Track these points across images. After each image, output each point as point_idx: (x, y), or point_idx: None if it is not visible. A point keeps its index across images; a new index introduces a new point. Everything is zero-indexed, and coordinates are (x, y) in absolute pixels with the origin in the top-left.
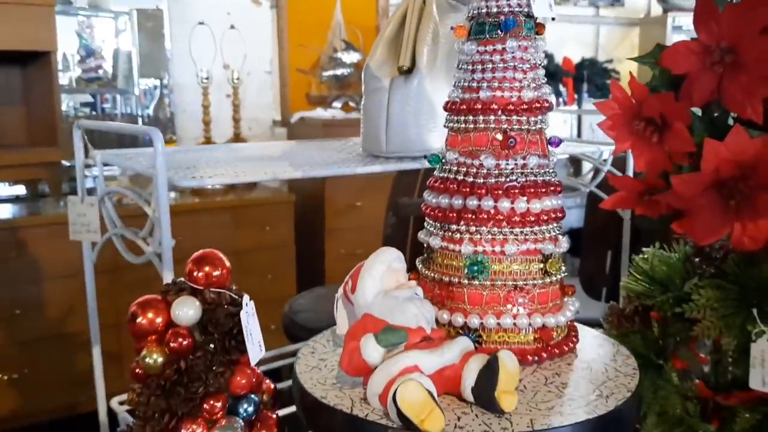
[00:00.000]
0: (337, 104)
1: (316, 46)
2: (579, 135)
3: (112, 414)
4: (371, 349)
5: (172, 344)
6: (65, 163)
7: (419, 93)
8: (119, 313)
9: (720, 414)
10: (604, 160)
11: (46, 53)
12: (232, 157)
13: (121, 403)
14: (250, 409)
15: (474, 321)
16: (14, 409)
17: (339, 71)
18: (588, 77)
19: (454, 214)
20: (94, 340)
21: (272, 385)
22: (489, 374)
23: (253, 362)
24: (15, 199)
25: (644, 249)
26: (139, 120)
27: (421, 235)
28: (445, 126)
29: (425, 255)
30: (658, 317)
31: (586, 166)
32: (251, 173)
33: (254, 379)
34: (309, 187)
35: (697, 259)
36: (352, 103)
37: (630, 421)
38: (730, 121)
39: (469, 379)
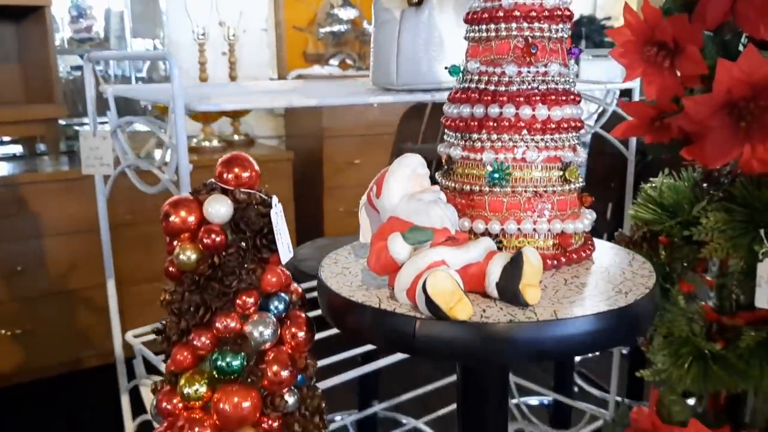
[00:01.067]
0: (334, 62)
1: (312, 2)
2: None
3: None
4: (399, 247)
5: (205, 240)
6: (62, 122)
7: (430, 24)
8: (120, 269)
9: (725, 335)
10: (609, 102)
11: (40, 8)
12: (245, 91)
13: (136, 336)
14: (281, 306)
15: (495, 227)
16: (19, 364)
17: (336, 28)
18: (586, 35)
19: (476, 123)
20: (108, 273)
21: (300, 288)
22: (513, 268)
23: (283, 261)
24: (13, 158)
25: (652, 179)
26: (133, 82)
27: (441, 148)
28: (465, 38)
29: (445, 168)
30: (666, 242)
31: (589, 111)
32: (265, 101)
33: (284, 279)
34: (307, 145)
35: (705, 185)
36: (349, 61)
37: (648, 315)
38: (741, 47)
39: (494, 274)
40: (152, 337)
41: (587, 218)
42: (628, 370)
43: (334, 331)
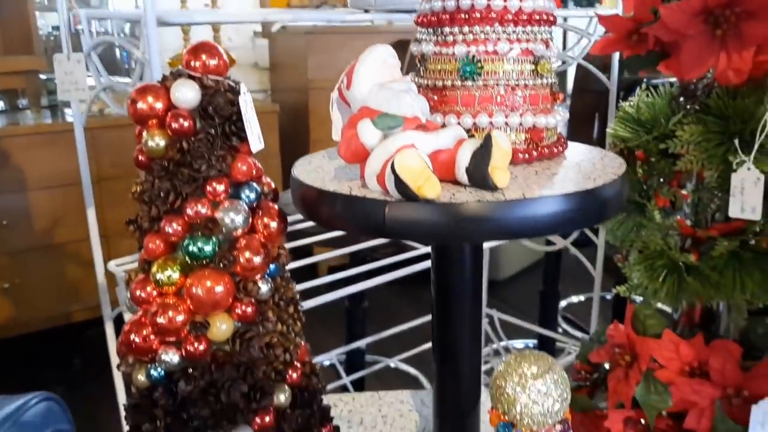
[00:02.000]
0: None
1: None
2: (564, 43)
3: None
4: (368, 133)
5: (173, 125)
6: (43, 76)
7: None
8: (107, 224)
9: (699, 248)
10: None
11: None
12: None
13: (118, 265)
14: (252, 195)
15: (467, 121)
16: (8, 318)
17: None
18: None
19: (447, 17)
20: (87, 202)
21: (272, 184)
22: (483, 152)
23: (253, 150)
24: None
25: (630, 98)
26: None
27: (413, 47)
28: None
29: (417, 67)
30: (642, 157)
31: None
32: (240, 16)
33: (255, 170)
34: (293, 98)
35: (681, 98)
36: None
37: (617, 200)
38: None
39: (464, 159)
40: (134, 265)
41: (559, 114)
42: (611, 316)
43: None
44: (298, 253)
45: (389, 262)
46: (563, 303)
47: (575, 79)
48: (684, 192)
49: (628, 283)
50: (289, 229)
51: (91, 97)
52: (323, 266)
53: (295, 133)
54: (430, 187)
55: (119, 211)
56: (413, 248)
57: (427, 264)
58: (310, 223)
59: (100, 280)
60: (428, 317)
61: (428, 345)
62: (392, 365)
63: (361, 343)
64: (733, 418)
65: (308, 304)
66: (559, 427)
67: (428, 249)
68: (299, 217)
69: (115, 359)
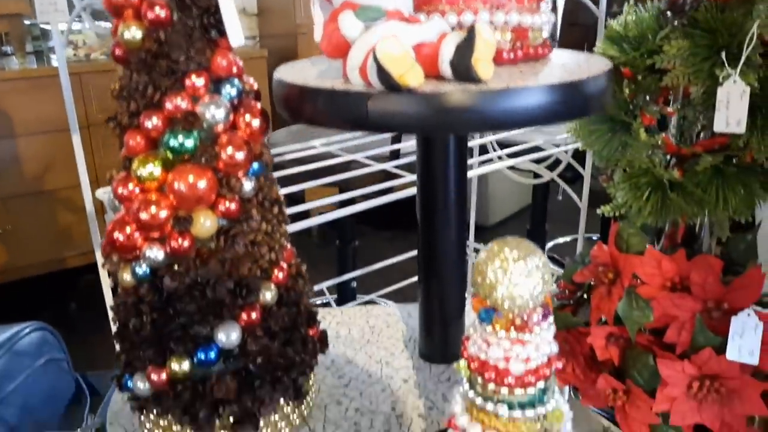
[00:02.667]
0: None
1: None
2: None
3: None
4: (349, 24)
5: (149, 15)
6: (27, 22)
7: None
8: (95, 169)
9: (684, 166)
10: None
11: None
12: None
13: (107, 193)
14: (233, 92)
15: (451, 19)
16: (2, 264)
17: None
18: None
19: None
20: (72, 128)
21: (255, 85)
22: (466, 44)
23: (233, 45)
24: None
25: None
26: None
27: None
28: None
29: None
30: (629, 75)
31: None
32: None
33: (236, 67)
34: (282, 44)
35: (669, 13)
36: None
37: (600, 94)
38: None
39: (447, 52)
40: None
41: (546, 15)
42: None
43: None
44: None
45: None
46: (550, 244)
47: (564, 12)
48: (670, 110)
49: (612, 203)
50: (279, 175)
51: (72, 16)
52: (314, 214)
53: (285, 55)
54: (413, 76)
55: (109, 157)
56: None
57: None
58: (301, 168)
59: (92, 225)
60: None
61: (413, 279)
62: (377, 301)
63: (350, 276)
64: (712, 330)
65: (295, 227)
66: (540, 310)
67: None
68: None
69: (110, 302)
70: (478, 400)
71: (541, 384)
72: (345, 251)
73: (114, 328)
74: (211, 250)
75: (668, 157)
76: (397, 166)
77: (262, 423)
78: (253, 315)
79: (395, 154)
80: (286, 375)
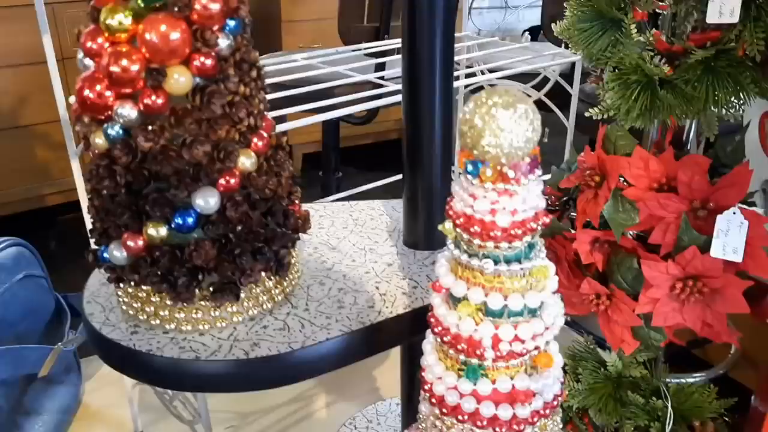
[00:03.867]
0: None
1: None
2: None
3: None
4: None
5: None
6: None
7: None
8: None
9: (675, 63)
10: None
11: None
12: None
13: None
14: None
15: None
16: None
17: None
18: None
19: None
20: (49, 60)
21: None
22: None
23: None
24: None
25: None
26: None
27: None
28: None
29: None
30: None
31: None
32: None
33: None
34: None
35: None
36: None
37: None
38: None
39: None
40: None
41: None
42: None
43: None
44: None
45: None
46: None
47: None
48: (662, 3)
49: (601, 105)
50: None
51: None
52: (298, 153)
53: (266, 16)
54: None
55: None
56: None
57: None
58: (286, 111)
59: (74, 162)
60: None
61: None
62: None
63: (334, 198)
64: (698, 230)
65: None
66: (527, 160)
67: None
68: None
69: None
70: (463, 257)
71: (527, 238)
72: (329, 180)
73: (87, 199)
74: (187, 109)
75: (659, 56)
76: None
77: (243, 295)
78: (232, 181)
79: (381, 68)
80: (267, 246)
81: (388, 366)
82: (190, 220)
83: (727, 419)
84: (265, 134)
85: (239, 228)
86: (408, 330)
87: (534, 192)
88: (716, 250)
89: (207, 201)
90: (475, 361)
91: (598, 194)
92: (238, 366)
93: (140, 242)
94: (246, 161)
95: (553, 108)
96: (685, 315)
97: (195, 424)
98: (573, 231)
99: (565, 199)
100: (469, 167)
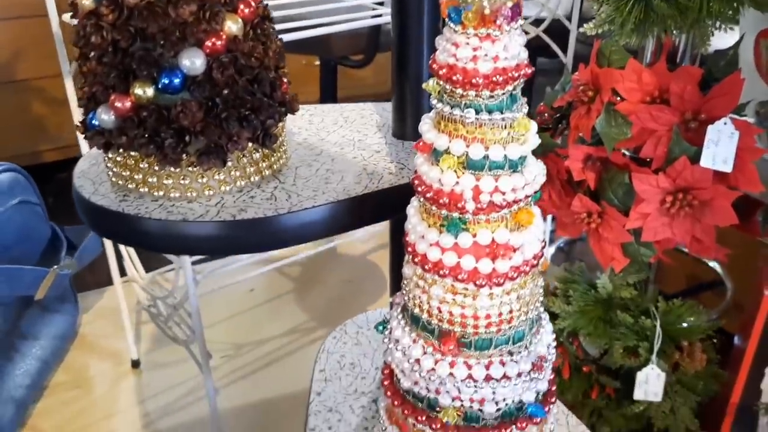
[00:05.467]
0: None
1: None
2: None
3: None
4: None
5: None
6: None
7: None
8: (70, 58)
9: None
10: None
11: None
12: None
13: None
14: None
15: None
16: None
17: None
18: None
19: None
20: (56, 35)
21: None
22: None
23: None
24: None
25: None
26: None
27: None
28: None
29: None
30: None
31: None
32: None
33: None
34: None
35: None
36: None
37: None
38: None
39: None
40: None
41: None
42: None
43: None
44: None
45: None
46: None
47: None
48: None
49: (595, 20)
50: None
51: None
52: None
53: None
54: None
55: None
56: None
57: None
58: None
59: (75, 116)
60: None
61: None
62: None
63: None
64: (689, 141)
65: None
66: (509, 4)
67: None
68: None
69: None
70: (446, 109)
71: (509, 88)
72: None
73: (75, 65)
74: None
75: None
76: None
77: (230, 164)
78: (218, 43)
79: None
80: (254, 115)
81: (383, 304)
82: (176, 80)
83: (714, 341)
84: (252, 2)
85: (225, 92)
86: (394, 204)
87: (516, 41)
88: (706, 160)
89: (193, 62)
90: (456, 214)
91: (590, 109)
92: (224, 227)
93: (128, 103)
94: (233, 26)
95: (551, 44)
96: (674, 229)
97: (190, 344)
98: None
99: (558, 116)
100: (452, 14)
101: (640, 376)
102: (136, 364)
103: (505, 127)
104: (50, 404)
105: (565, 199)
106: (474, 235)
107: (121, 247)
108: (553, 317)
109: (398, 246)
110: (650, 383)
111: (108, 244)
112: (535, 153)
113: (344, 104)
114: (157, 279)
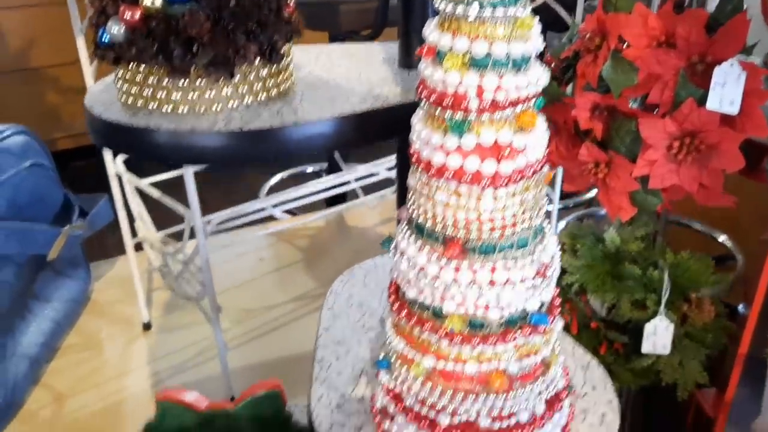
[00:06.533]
0: None
1: None
2: None
3: None
4: None
5: None
6: None
7: None
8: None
9: None
10: None
11: None
12: None
13: None
14: None
15: None
16: None
17: None
18: None
19: None
20: (74, 23)
21: None
22: None
23: None
24: None
25: None
26: None
27: None
28: None
29: None
30: None
31: None
32: None
33: None
34: None
35: None
36: None
37: None
38: None
39: None
40: None
41: None
42: None
43: None
44: None
45: None
46: None
47: None
48: None
49: None
50: None
51: None
52: None
53: None
54: None
55: (90, 34)
56: None
57: None
58: None
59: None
60: None
61: None
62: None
63: None
64: (695, 85)
65: None
66: None
67: None
68: None
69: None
70: (449, 7)
71: None
72: None
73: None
74: None
75: None
76: None
77: (237, 78)
78: None
79: None
80: (260, 30)
81: None
82: None
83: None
84: None
85: (232, 4)
86: (399, 123)
87: None
88: (713, 103)
89: None
90: (460, 115)
91: (597, 56)
92: (232, 138)
93: (137, 14)
94: None
95: (558, 10)
96: (681, 176)
97: (201, 300)
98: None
99: (564, 66)
100: None
101: (649, 328)
102: (147, 326)
103: (509, 23)
104: (63, 364)
105: (572, 150)
106: (478, 135)
107: (133, 208)
108: (561, 272)
109: (404, 169)
110: (659, 335)
111: (120, 207)
112: (543, 103)
113: (350, 44)
114: (167, 239)
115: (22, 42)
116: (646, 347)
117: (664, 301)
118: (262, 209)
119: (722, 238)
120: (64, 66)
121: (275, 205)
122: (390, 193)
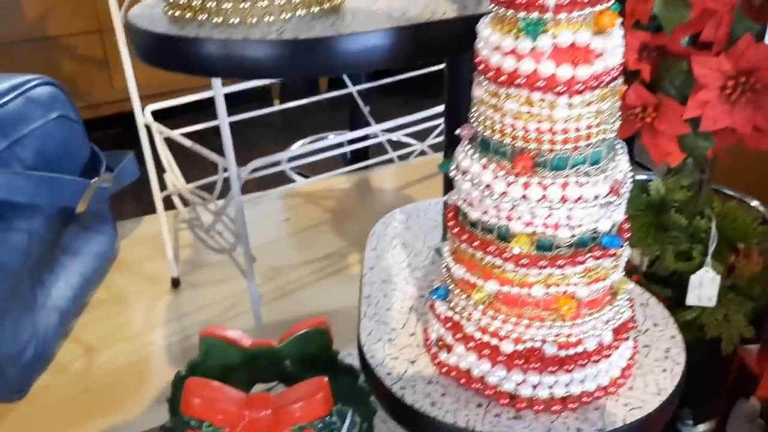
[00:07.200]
0: None
1: None
2: None
3: None
4: None
5: None
6: None
7: None
8: (99, 16)
9: None
10: None
11: None
12: None
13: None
14: None
15: None
16: None
17: None
18: None
19: None
20: None
21: None
22: None
23: None
24: None
25: None
26: None
27: None
28: None
29: None
30: None
31: None
32: None
33: None
34: None
35: None
36: None
37: None
38: None
39: None
40: None
41: None
42: None
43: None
44: None
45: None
46: None
47: None
48: None
49: None
50: None
51: None
52: (323, 82)
53: None
54: None
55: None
56: None
57: None
58: None
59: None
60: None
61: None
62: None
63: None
64: (752, 19)
65: None
66: None
67: None
68: None
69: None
70: None
71: None
72: (356, 112)
73: None
74: None
75: None
76: None
77: None
78: None
79: None
80: None
81: None
82: None
83: None
84: None
85: None
86: (459, 38)
87: None
88: None
89: None
90: (535, 14)
91: None
92: (286, 47)
93: None
94: None
95: None
96: (734, 117)
97: (233, 251)
98: None
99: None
100: None
101: (694, 279)
102: (176, 283)
103: None
104: (92, 318)
105: None
106: (554, 37)
107: (163, 159)
108: None
109: (453, 105)
110: (704, 287)
111: (149, 158)
112: None
113: None
114: (196, 191)
115: (39, 10)
116: (691, 299)
117: (711, 250)
118: (299, 156)
119: (755, 203)
120: (82, 35)
121: (305, 154)
122: (412, 158)
